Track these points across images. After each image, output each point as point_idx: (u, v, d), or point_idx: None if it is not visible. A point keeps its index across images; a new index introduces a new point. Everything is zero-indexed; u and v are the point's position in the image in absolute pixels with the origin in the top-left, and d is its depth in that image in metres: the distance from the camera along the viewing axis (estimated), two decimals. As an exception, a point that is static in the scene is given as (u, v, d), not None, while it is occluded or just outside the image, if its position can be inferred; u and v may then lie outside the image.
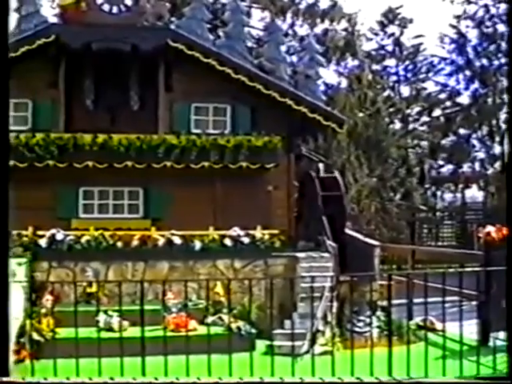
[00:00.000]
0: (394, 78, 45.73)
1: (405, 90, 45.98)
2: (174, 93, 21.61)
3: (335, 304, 18.56)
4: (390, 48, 45.04)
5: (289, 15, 41.51)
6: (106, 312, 16.96)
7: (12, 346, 15.79)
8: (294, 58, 37.58)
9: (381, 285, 18.03)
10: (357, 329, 16.86)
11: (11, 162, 19.58)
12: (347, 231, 22.70)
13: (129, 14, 21.35)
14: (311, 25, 41.38)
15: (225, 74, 21.41)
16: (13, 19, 21.89)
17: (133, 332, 14.76)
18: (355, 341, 12.47)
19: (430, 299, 11.91)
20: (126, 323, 15.88)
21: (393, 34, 44.76)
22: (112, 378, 9.95)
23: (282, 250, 20.57)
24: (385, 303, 16.32)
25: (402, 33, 44.61)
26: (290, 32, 41.73)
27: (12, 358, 15.56)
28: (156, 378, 9.92)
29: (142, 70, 21.47)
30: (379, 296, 18.12)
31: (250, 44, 25.25)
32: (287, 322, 17.98)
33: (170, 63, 21.51)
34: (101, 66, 21.17)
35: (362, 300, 17.80)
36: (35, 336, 16.57)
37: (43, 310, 17.49)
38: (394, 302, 13.47)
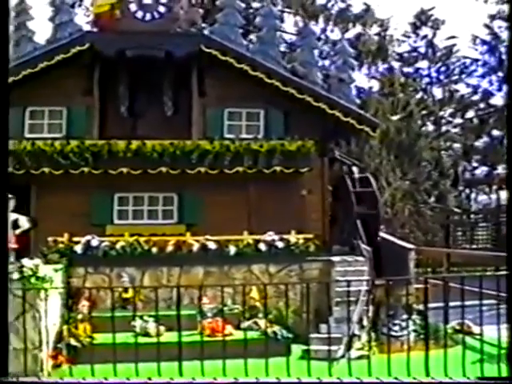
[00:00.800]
0: (427, 80, 45.51)
1: (437, 92, 45.82)
2: (207, 98, 21.70)
3: (371, 308, 18.48)
4: (422, 50, 44.87)
5: (321, 20, 41.43)
6: (141, 317, 17.06)
7: (49, 352, 15.99)
8: (326, 62, 37.57)
9: (416, 288, 17.98)
10: (393, 333, 16.78)
11: (46, 170, 20.04)
12: (382, 234, 22.63)
13: (162, 21, 21.47)
14: (343, 29, 41.29)
15: (258, 78, 21.42)
16: (48, 28, 22.15)
17: (169, 337, 14.83)
18: (391, 345, 12.42)
19: (466, 302, 11.84)
20: (161, 328, 15.97)
21: (425, 36, 44.58)
22: (150, 378, 10.04)
23: (317, 255, 20.54)
24: (420, 307, 16.26)
25: (434, 34, 44.43)
26: (322, 36, 41.66)
27: (49, 363, 15.78)
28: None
29: (175, 76, 21.65)
30: (415, 299, 18.06)
31: (282, 48, 25.25)
32: (323, 327, 17.96)
33: (203, 69, 21.61)
34: (135, 72, 21.38)
35: (398, 304, 17.75)
36: (72, 341, 16.73)
37: (80, 316, 17.67)
38: (430, 305, 13.41)
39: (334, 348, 15.87)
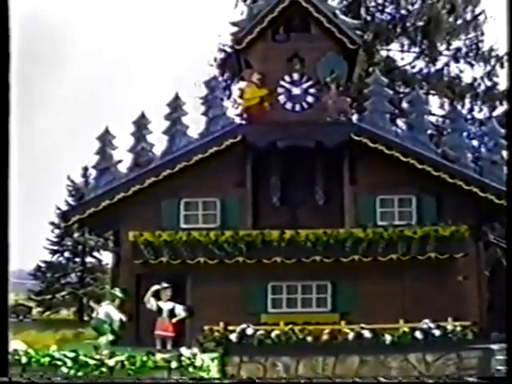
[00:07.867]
0: None
1: None
2: (358, 186, 21.68)
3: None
4: None
5: (467, 100, 40.87)
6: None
7: None
8: (475, 142, 36.93)
9: None
10: None
11: (202, 259, 20.54)
12: (542, 321, 21.75)
13: (311, 111, 21.83)
14: (490, 108, 40.56)
15: (409, 164, 21.29)
16: (201, 122, 22.89)
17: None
18: None
19: None
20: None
21: None
22: None
23: (475, 342, 19.92)
24: None
25: None
26: (469, 116, 41.04)
27: None
28: None
29: (325, 165, 21.79)
30: None
31: (429, 131, 25.05)
32: (487, 420, 17.32)
33: (353, 157, 21.68)
34: (286, 162, 21.71)
35: None
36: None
37: (236, 405, 17.75)
38: None
39: None
